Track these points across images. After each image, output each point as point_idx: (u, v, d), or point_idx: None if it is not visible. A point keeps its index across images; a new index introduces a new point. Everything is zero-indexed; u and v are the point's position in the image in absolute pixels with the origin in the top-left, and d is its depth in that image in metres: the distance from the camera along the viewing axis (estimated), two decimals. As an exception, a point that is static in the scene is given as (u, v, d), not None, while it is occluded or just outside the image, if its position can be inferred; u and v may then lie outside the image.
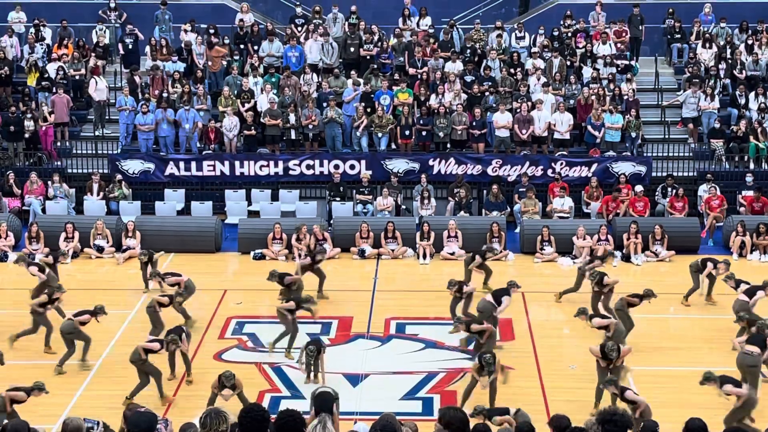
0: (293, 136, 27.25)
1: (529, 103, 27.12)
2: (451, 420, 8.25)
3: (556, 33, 30.08)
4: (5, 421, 13.08)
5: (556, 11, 31.81)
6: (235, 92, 27.73)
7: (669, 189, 26.08)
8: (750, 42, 29.63)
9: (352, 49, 29.04)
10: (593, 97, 27.42)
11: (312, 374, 17.00)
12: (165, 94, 27.63)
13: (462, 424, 8.25)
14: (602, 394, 15.73)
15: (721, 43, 29.97)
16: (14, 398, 14.82)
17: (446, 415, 8.40)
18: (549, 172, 26.49)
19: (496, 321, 18.21)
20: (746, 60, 29.21)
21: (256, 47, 29.38)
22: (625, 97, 27.81)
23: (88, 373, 17.38)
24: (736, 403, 14.82)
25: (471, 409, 14.18)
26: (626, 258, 23.75)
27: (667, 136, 28.01)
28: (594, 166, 26.54)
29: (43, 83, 28.37)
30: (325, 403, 8.04)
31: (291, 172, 26.78)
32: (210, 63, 29.10)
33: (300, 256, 23.61)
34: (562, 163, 26.53)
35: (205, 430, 7.17)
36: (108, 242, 24.07)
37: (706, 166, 27.08)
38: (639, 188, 25.81)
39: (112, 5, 31.28)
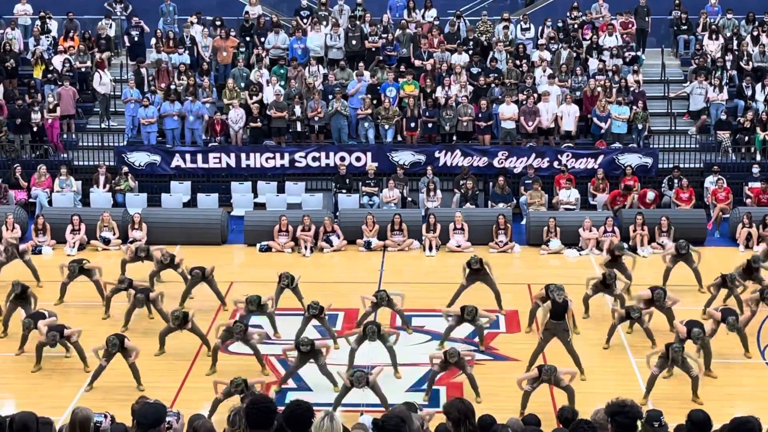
0: (299, 129, 27.24)
1: (536, 95, 27.09)
2: (448, 409, 8.32)
3: (562, 24, 30.04)
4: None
5: (562, 3, 31.72)
6: (242, 84, 27.72)
7: (675, 180, 26.05)
8: (756, 33, 29.56)
9: (354, 42, 29.01)
10: (599, 89, 27.37)
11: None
12: (173, 87, 27.64)
13: (459, 414, 8.28)
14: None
15: (728, 34, 29.91)
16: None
17: (446, 405, 8.51)
18: (555, 163, 26.46)
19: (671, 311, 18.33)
20: (753, 51, 29.14)
21: (262, 39, 29.37)
22: (632, 89, 27.75)
23: (93, 366, 17.37)
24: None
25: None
26: (632, 250, 23.70)
27: (673, 128, 27.97)
28: (600, 158, 26.51)
29: (49, 75, 28.40)
30: None
31: (297, 165, 26.80)
32: (225, 54, 29.01)
33: (306, 247, 23.64)
34: (568, 155, 26.51)
35: (234, 428, 7.20)
36: (114, 234, 24.12)
37: (712, 157, 27.04)
38: (651, 196, 25.54)
39: (118, -3, 31.32)
